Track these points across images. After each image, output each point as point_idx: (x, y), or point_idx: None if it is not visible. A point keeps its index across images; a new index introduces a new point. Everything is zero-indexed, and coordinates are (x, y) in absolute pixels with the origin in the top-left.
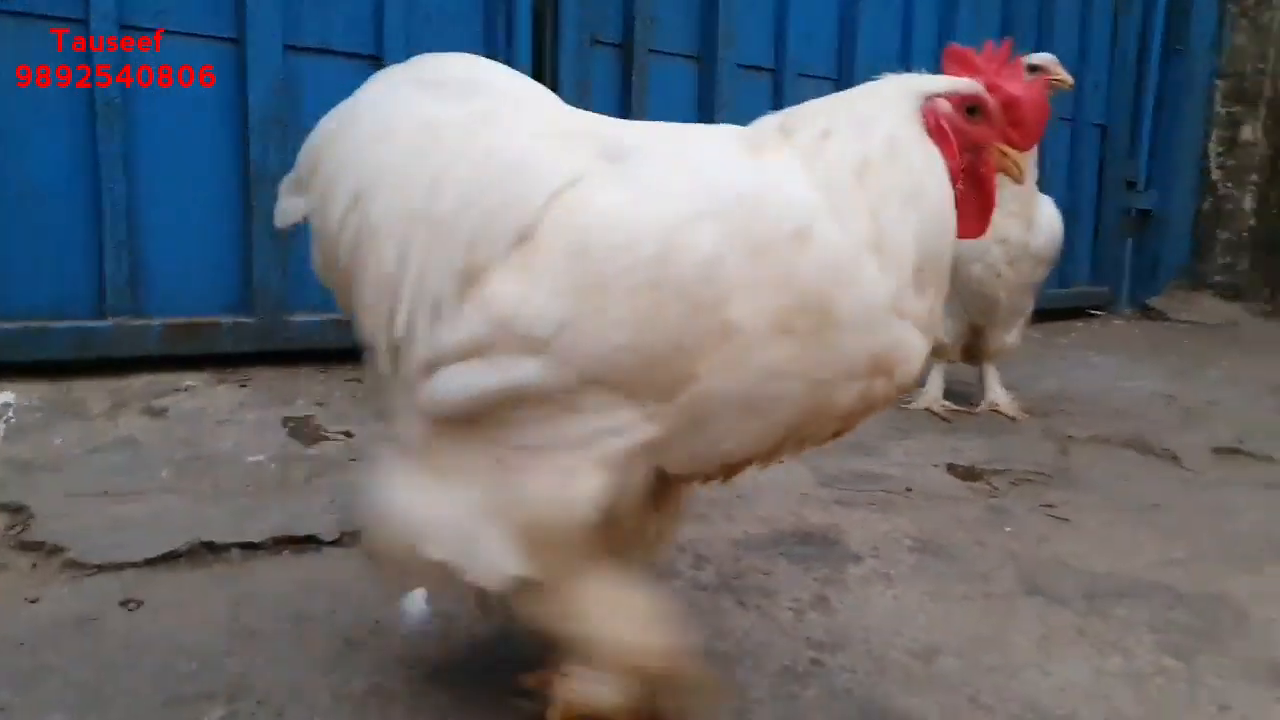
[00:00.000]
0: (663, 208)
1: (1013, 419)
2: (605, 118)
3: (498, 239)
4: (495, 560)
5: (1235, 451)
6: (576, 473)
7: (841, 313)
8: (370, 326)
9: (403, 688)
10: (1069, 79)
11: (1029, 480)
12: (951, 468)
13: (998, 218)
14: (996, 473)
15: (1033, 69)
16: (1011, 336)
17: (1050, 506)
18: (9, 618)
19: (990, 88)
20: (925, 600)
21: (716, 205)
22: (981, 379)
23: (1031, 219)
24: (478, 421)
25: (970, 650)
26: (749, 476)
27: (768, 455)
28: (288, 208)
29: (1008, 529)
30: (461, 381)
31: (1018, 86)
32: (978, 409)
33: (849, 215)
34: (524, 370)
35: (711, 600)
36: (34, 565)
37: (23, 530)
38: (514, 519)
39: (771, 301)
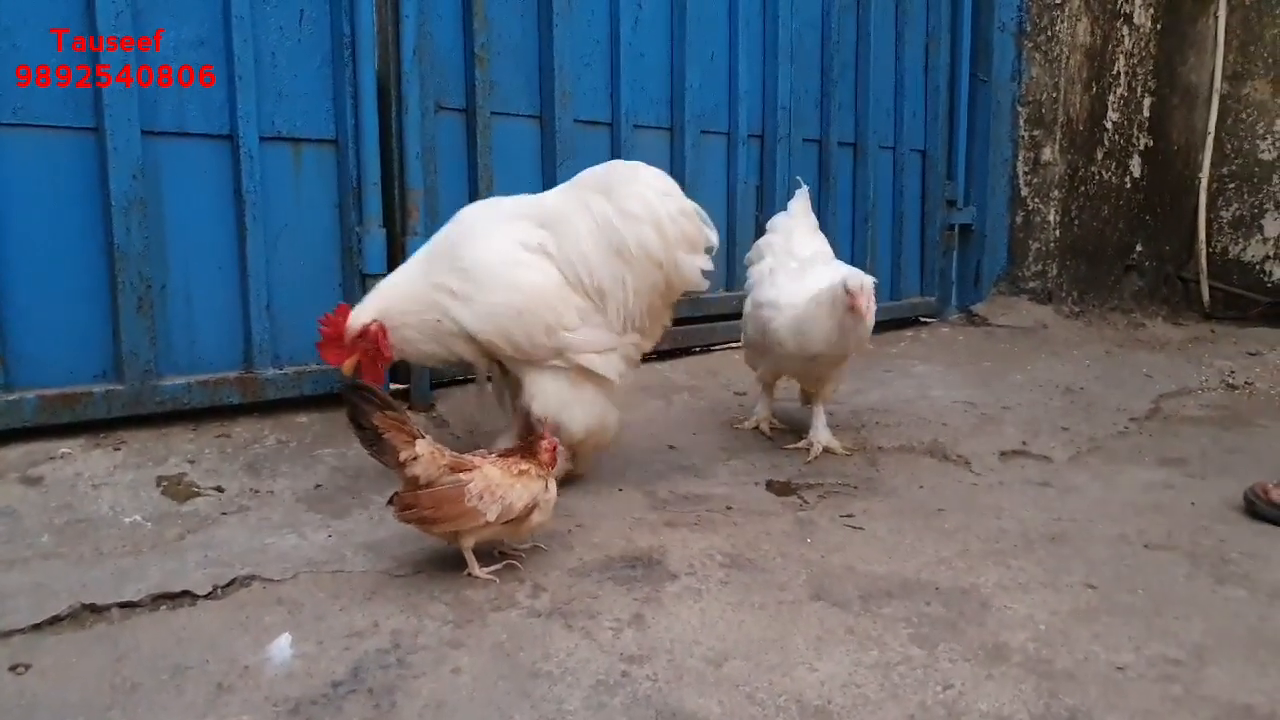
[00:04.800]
0: None
1: (847, 454)
2: None
3: None
4: None
5: (1019, 453)
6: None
7: None
8: None
9: None
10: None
11: (836, 492)
12: (770, 484)
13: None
14: (809, 486)
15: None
16: (837, 382)
17: (850, 516)
18: None
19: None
20: (726, 610)
21: None
22: (811, 418)
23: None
24: None
25: (755, 653)
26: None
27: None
28: None
29: (809, 540)
30: None
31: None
32: (809, 451)
33: None
34: None
35: (543, 626)
36: None
37: None
38: None
39: None
